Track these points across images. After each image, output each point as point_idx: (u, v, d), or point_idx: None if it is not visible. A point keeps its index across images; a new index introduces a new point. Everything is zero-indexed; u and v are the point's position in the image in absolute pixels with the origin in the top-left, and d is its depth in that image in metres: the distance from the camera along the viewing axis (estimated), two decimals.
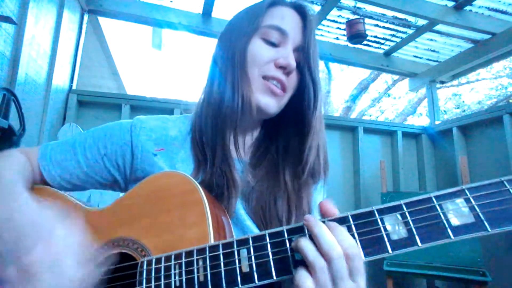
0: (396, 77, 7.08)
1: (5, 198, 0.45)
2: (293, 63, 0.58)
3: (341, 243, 0.35)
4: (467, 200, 0.35)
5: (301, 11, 0.62)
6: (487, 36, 2.59)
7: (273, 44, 0.59)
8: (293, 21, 0.60)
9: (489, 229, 0.33)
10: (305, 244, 0.36)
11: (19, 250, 0.34)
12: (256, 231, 0.55)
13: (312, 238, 0.37)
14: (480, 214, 0.34)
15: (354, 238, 0.37)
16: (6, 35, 1.42)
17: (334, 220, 0.39)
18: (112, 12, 2.41)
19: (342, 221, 0.39)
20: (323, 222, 0.38)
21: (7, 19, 1.28)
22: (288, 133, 0.63)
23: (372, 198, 2.66)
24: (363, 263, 0.36)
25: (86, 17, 2.35)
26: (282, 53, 0.58)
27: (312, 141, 0.58)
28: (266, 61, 0.58)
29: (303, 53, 0.59)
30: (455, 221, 0.34)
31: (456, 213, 0.35)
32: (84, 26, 2.34)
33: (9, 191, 0.47)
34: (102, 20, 3.04)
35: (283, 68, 0.58)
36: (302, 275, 0.35)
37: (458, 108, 8.91)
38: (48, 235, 0.37)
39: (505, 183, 0.34)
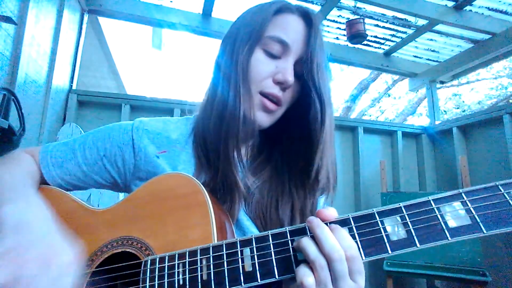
0: (396, 77, 7.08)
1: (20, 199, 0.45)
2: (291, 79, 0.56)
3: (343, 245, 0.36)
4: (464, 203, 0.36)
5: (307, 19, 0.59)
6: (487, 36, 2.59)
7: (274, 56, 0.57)
8: (297, 31, 0.58)
9: (485, 231, 0.34)
10: (307, 244, 0.37)
11: (33, 251, 0.34)
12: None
13: (314, 239, 0.37)
14: (476, 216, 0.35)
15: (355, 239, 0.38)
16: (6, 35, 1.42)
17: (336, 222, 0.39)
18: (112, 12, 2.41)
19: (343, 222, 0.39)
20: (326, 224, 0.39)
21: (7, 19, 1.28)
22: (294, 147, 0.61)
23: (372, 198, 2.66)
24: (362, 264, 0.37)
25: (86, 17, 2.35)
26: (281, 67, 0.57)
27: (322, 158, 0.55)
28: (265, 77, 0.57)
29: (306, 64, 0.56)
30: (452, 223, 0.36)
31: (453, 215, 0.36)
32: (84, 26, 2.34)
33: (23, 193, 0.48)
34: (102, 20, 3.05)
35: (281, 84, 0.57)
36: (303, 273, 0.36)
37: (458, 108, 8.91)
38: (60, 246, 0.38)
39: (500, 187, 0.36)
